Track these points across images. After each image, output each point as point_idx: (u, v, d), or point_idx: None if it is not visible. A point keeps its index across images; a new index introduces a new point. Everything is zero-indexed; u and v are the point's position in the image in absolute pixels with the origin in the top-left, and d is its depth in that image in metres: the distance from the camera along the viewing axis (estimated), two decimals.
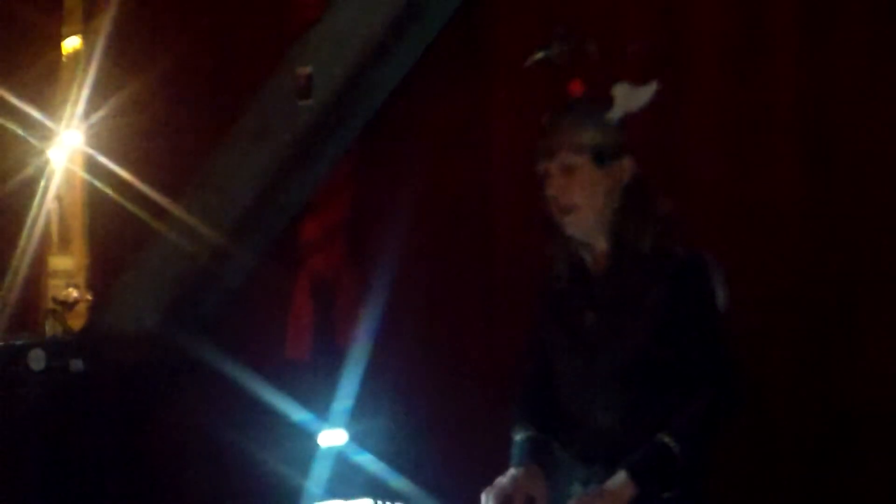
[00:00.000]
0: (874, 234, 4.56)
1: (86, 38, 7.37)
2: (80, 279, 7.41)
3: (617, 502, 3.16)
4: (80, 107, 6.95)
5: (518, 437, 3.50)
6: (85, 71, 6.99)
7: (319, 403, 5.67)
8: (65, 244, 7.65)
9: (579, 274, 3.47)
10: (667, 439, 3.19)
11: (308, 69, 5.81)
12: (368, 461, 5.48)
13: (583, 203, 3.38)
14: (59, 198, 7.48)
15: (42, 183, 7.12)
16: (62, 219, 7.63)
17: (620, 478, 3.19)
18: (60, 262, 7.63)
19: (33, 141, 7.10)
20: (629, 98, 3.43)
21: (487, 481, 3.38)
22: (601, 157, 3.38)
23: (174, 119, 6.67)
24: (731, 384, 3.32)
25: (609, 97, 3.44)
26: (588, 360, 3.38)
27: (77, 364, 6.28)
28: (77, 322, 6.93)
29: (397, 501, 3.46)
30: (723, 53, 4.92)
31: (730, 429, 3.40)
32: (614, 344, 3.33)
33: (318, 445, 5.58)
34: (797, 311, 4.73)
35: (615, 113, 3.42)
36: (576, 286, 3.47)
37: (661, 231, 3.36)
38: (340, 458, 5.56)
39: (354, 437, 5.62)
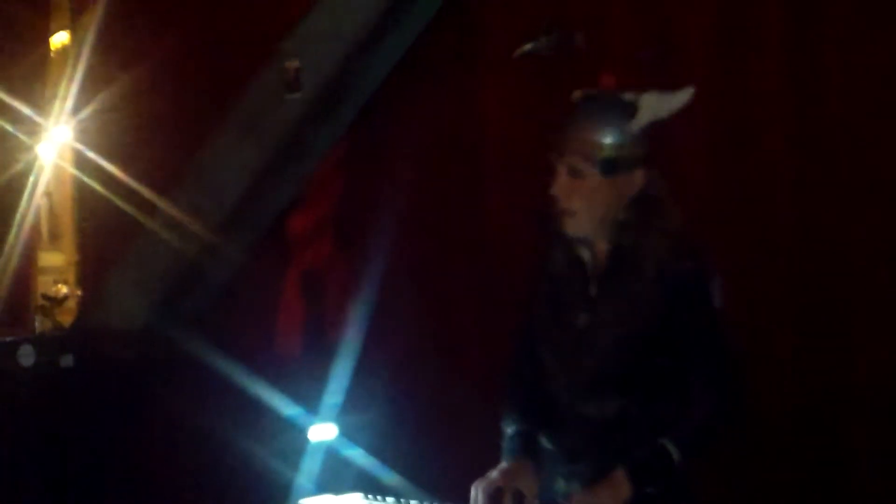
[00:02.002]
0: (866, 231, 4.57)
1: (74, 34, 7.35)
2: (70, 275, 7.39)
3: (613, 501, 3.16)
4: (69, 102, 6.93)
5: (509, 430, 3.49)
6: (73, 66, 6.96)
7: (310, 398, 5.66)
8: (54, 240, 7.64)
9: (576, 270, 3.42)
10: (668, 445, 3.18)
11: (296, 63, 5.80)
12: (359, 456, 5.48)
13: (582, 210, 3.31)
14: (48, 194, 7.46)
15: (31, 179, 7.09)
16: (51, 215, 7.61)
17: (618, 476, 3.17)
18: (50, 258, 7.61)
19: (22, 137, 7.08)
20: (658, 107, 3.33)
21: (478, 475, 3.37)
22: (611, 168, 3.29)
23: (163, 114, 6.65)
24: (733, 398, 3.30)
25: (635, 104, 3.34)
26: (577, 361, 3.36)
27: (67, 360, 6.27)
28: (67, 318, 6.92)
29: (388, 496, 3.44)
30: (710, 48, 4.91)
31: (727, 440, 3.40)
32: (604, 348, 3.30)
33: (308, 440, 5.57)
34: (788, 310, 4.74)
35: (639, 122, 3.31)
36: (572, 283, 3.42)
37: (665, 246, 3.30)
38: (331, 453, 5.56)
39: (345, 432, 5.61)
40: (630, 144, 3.31)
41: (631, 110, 3.32)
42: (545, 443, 3.44)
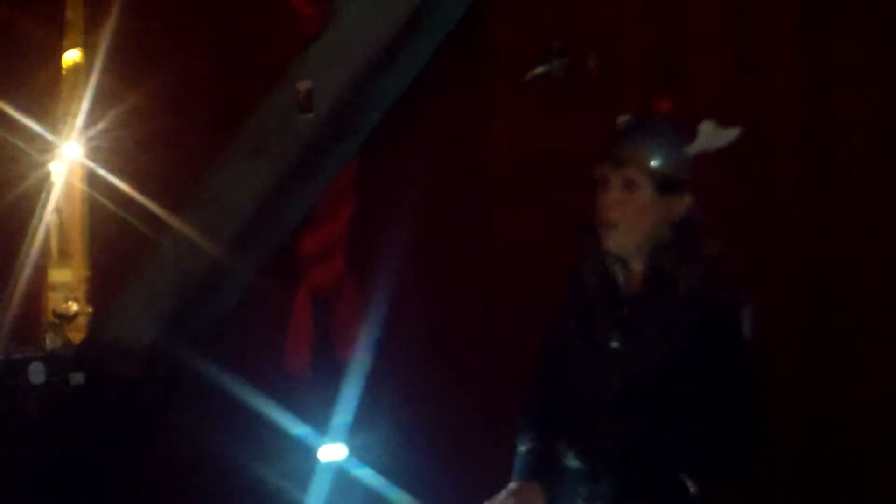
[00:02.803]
0: (873, 238, 4.57)
1: (86, 51, 7.36)
2: (80, 292, 7.40)
3: None
4: (80, 119, 6.94)
5: (522, 447, 3.50)
6: (85, 84, 6.97)
7: (319, 417, 5.67)
8: (64, 257, 7.65)
9: (610, 291, 3.45)
10: (688, 481, 3.19)
11: (308, 83, 5.81)
12: (368, 475, 5.49)
13: (629, 224, 3.35)
14: (58, 210, 7.47)
15: (42, 196, 7.09)
16: (62, 232, 7.63)
17: None
18: (60, 275, 7.62)
19: (33, 154, 7.09)
20: (712, 137, 3.41)
21: (487, 495, 3.38)
22: (665, 186, 3.35)
23: (174, 132, 6.66)
24: (754, 433, 3.31)
25: (692, 129, 3.41)
26: (606, 381, 3.37)
27: (77, 377, 6.27)
28: (77, 335, 6.92)
29: None
30: (721, 74, 4.92)
31: (744, 475, 3.42)
32: (632, 370, 3.32)
33: (317, 460, 5.58)
34: (794, 315, 4.74)
35: (695, 147, 3.40)
36: (604, 304, 3.44)
37: (701, 273, 3.33)
38: (340, 473, 5.56)
39: (354, 452, 5.62)
40: (684, 166, 3.39)
41: (691, 134, 3.37)
42: (568, 461, 3.45)
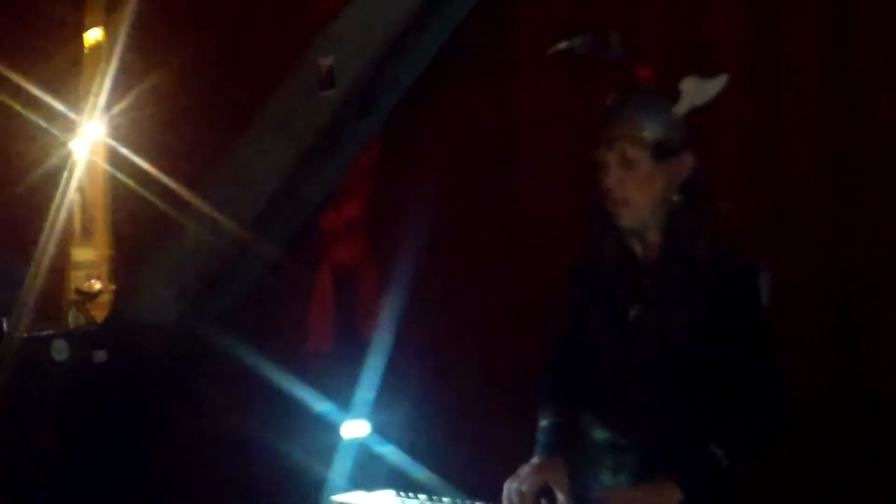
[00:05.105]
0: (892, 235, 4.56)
1: (108, 30, 7.38)
2: (103, 270, 7.43)
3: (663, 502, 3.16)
4: (103, 98, 6.95)
5: (543, 422, 3.50)
6: (107, 62, 6.98)
7: (342, 394, 5.68)
8: (87, 235, 7.68)
9: (627, 263, 3.45)
10: (718, 452, 3.19)
11: (330, 60, 5.80)
12: (391, 452, 5.49)
13: (638, 197, 3.36)
14: (81, 189, 7.49)
15: (64, 175, 7.11)
16: (84, 210, 7.65)
17: (668, 482, 3.17)
18: (83, 254, 7.65)
19: (55, 133, 7.11)
20: (697, 92, 3.41)
21: (510, 472, 3.38)
22: (661, 152, 3.35)
23: (196, 110, 6.67)
24: (779, 402, 3.32)
25: (675, 89, 3.41)
26: (628, 353, 3.38)
27: (100, 355, 6.28)
28: (100, 313, 6.94)
29: (419, 493, 3.46)
30: (742, 51, 4.91)
31: (772, 444, 3.42)
32: (656, 339, 3.33)
33: (340, 437, 5.59)
34: (816, 313, 4.73)
35: (681, 107, 3.40)
36: (623, 275, 3.45)
37: (716, 232, 3.35)
38: (363, 450, 5.57)
39: (377, 429, 5.62)
40: (676, 128, 3.39)
41: (674, 93, 3.41)
42: (593, 433, 3.45)
